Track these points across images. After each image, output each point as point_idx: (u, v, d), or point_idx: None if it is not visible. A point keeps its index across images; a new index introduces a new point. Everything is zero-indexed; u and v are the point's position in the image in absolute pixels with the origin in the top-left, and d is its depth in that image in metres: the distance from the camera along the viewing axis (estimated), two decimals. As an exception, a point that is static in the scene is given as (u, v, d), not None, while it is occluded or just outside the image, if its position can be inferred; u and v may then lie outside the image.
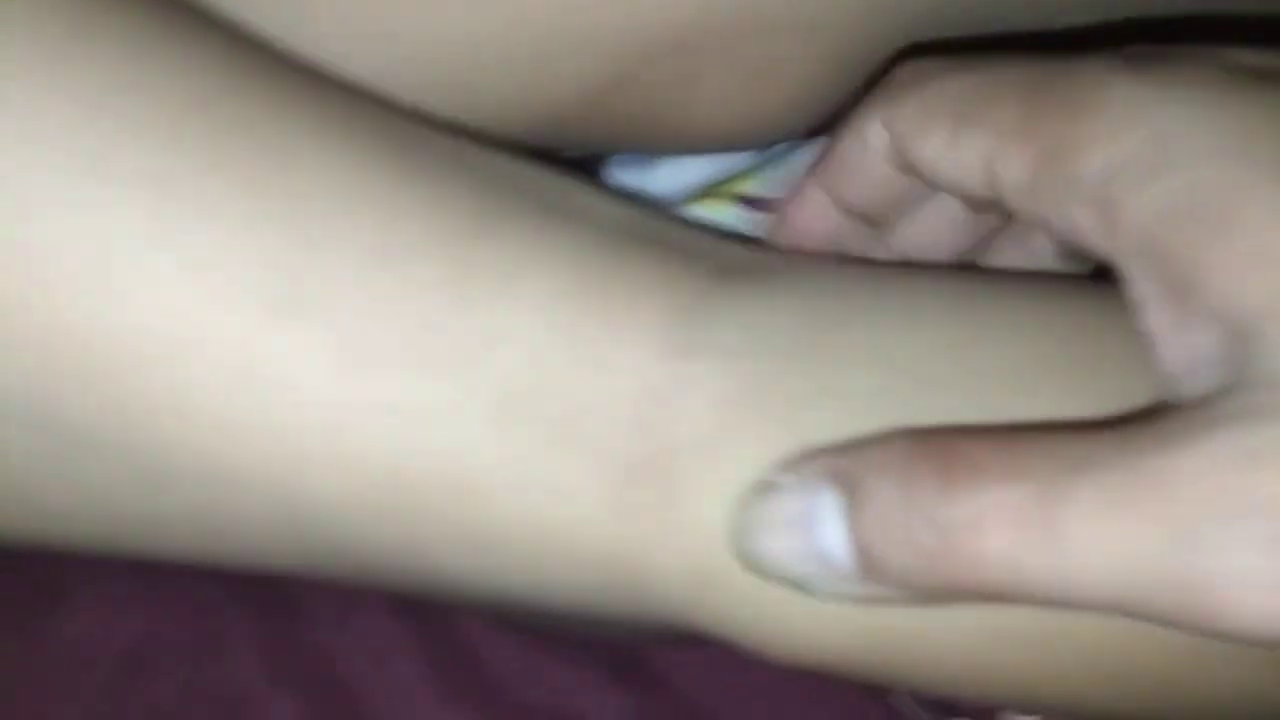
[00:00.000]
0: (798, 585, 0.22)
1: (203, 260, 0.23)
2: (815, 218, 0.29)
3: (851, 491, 0.22)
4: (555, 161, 0.29)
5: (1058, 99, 0.23)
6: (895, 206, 0.28)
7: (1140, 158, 0.22)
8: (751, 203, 0.35)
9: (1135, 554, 0.19)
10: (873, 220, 0.29)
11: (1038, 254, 0.29)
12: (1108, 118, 0.22)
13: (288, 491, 0.24)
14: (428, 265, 0.24)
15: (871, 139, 0.27)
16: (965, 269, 0.29)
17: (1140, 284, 0.22)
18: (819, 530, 0.22)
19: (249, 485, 0.24)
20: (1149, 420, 0.21)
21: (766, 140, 0.34)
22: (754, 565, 0.23)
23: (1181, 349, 0.21)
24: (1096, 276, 0.26)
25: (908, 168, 0.26)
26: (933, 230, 0.29)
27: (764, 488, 0.23)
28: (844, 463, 0.22)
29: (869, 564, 0.22)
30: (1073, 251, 0.28)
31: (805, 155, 0.35)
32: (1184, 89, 0.22)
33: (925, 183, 0.26)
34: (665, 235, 0.27)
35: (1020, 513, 0.20)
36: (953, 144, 0.25)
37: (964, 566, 0.21)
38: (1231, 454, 0.19)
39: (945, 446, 0.21)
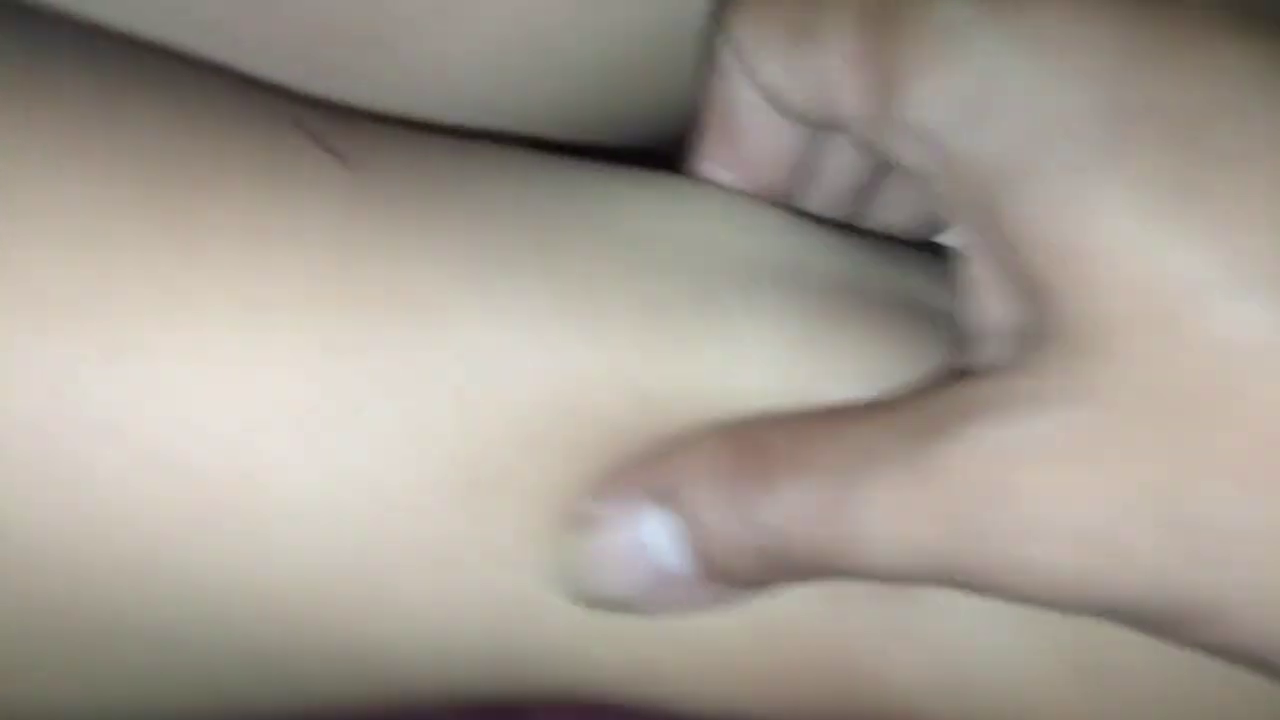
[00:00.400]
0: (639, 611, 0.22)
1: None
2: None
3: (678, 505, 0.21)
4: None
5: (896, 16, 0.21)
6: (792, 157, 0.25)
7: (970, 91, 0.20)
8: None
9: (924, 548, 0.20)
10: (783, 187, 0.25)
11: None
12: (941, 43, 0.20)
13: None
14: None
15: (723, 62, 0.24)
16: None
17: (962, 232, 0.21)
18: (655, 552, 0.22)
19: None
20: (934, 400, 0.20)
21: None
22: (593, 605, 0.22)
23: (986, 310, 0.21)
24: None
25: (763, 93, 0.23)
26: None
27: (581, 522, 0.22)
28: (661, 477, 0.22)
29: (713, 572, 0.21)
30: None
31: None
32: (1031, 7, 0.20)
33: (773, 107, 0.24)
34: (893, 285, 0.24)
35: (820, 509, 0.20)
36: (791, 62, 0.22)
37: (801, 561, 0.21)
38: (993, 449, 0.19)
39: (762, 443, 0.21)
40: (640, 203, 0.24)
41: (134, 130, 0.22)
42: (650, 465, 0.22)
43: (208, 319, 0.21)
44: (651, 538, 0.22)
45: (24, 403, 0.20)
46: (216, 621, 0.21)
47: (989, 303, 0.21)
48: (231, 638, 0.22)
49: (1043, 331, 0.19)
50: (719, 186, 0.25)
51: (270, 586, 0.21)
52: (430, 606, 0.22)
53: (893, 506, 0.20)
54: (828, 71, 0.22)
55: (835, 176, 0.26)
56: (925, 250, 0.26)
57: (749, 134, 0.24)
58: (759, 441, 0.21)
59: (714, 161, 0.25)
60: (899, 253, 0.26)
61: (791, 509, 0.20)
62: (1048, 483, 0.19)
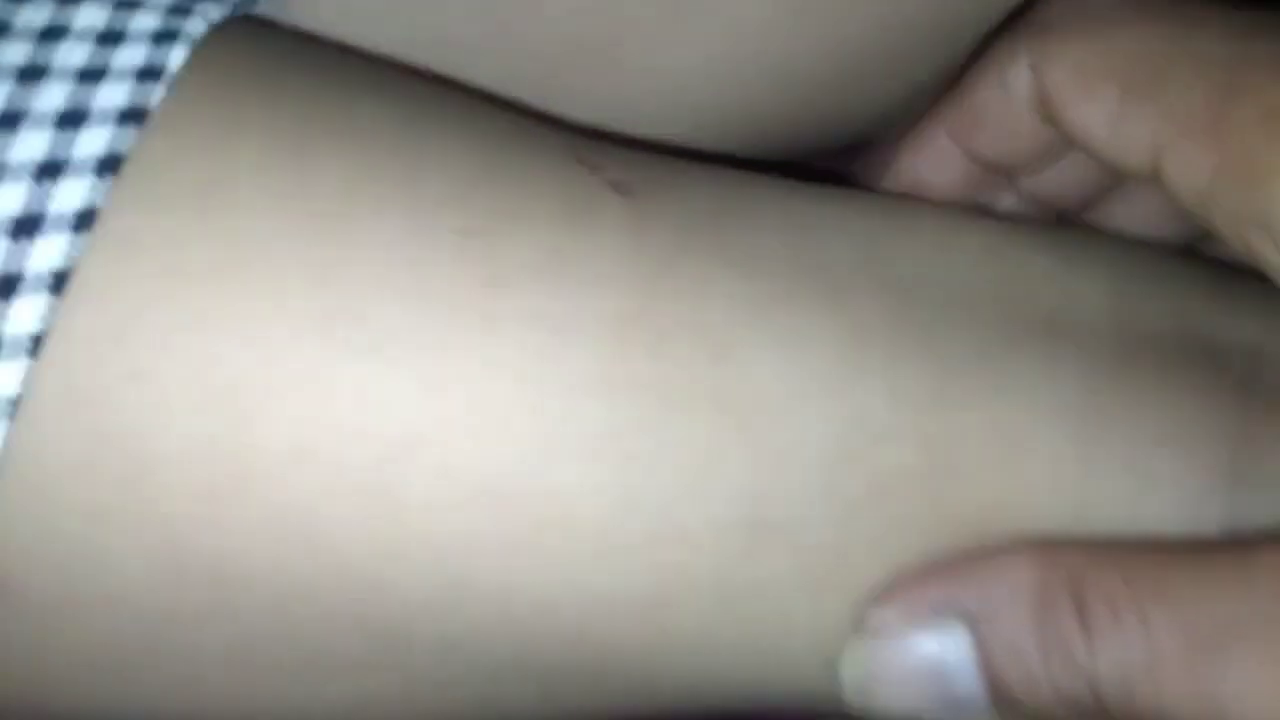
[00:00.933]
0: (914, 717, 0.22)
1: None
2: (937, 168, 0.26)
3: (979, 624, 0.21)
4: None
5: (1257, 97, 0.21)
6: (1032, 159, 0.26)
7: None
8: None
9: None
10: (1003, 171, 0.26)
11: (1149, 219, 0.26)
12: None
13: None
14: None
15: (1014, 83, 0.24)
16: None
17: None
18: (948, 673, 0.21)
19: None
20: None
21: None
22: (874, 713, 0.22)
23: None
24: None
25: (1051, 119, 0.24)
26: (1061, 183, 0.26)
27: (869, 630, 0.22)
28: (968, 595, 0.21)
29: (1002, 698, 0.21)
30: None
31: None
32: None
33: (1071, 144, 0.24)
34: (1175, 317, 0.24)
35: (1170, 670, 0.20)
36: (1118, 117, 0.22)
37: (1114, 708, 0.20)
38: None
39: (1080, 578, 0.21)
40: (911, 241, 0.24)
41: (443, 175, 0.22)
42: (945, 577, 0.21)
43: (516, 350, 0.21)
44: (941, 655, 0.21)
45: (361, 451, 0.21)
46: (508, 641, 0.22)
47: None
48: (521, 656, 0.22)
49: None
50: (969, 216, 0.25)
51: (565, 610, 0.22)
52: (702, 643, 0.22)
53: (1267, 685, 0.19)
54: (1161, 135, 0.22)
55: (1053, 188, 0.26)
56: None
57: (987, 138, 0.25)
58: (1077, 576, 0.21)
59: (941, 137, 0.26)
60: (1172, 268, 0.25)
61: (1118, 657, 0.20)
62: None
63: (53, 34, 0.22)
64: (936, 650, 0.21)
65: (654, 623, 0.22)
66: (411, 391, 0.21)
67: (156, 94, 0.22)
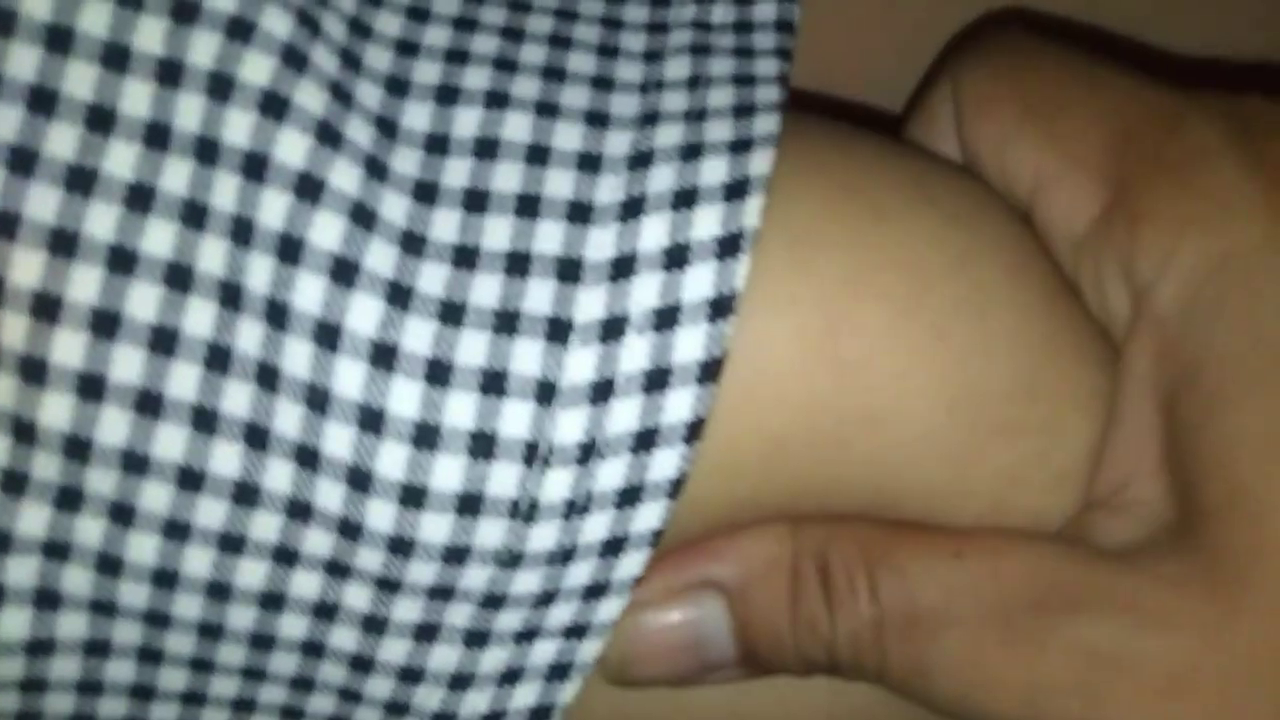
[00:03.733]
0: (664, 685, 0.23)
1: None
2: None
3: (735, 596, 0.22)
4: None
5: (1153, 157, 0.20)
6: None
7: (1223, 288, 0.19)
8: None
9: (991, 708, 0.21)
10: None
11: None
12: (1198, 219, 0.19)
13: None
14: None
15: (937, 107, 0.23)
16: None
17: (1136, 397, 0.20)
18: (703, 642, 0.22)
19: None
20: (1056, 570, 0.21)
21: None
22: (631, 685, 0.23)
23: (1143, 489, 0.21)
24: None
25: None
26: None
27: (638, 607, 0.22)
28: (724, 569, 0.22)
29: (749, 659, 0.22)
30: None
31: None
32: None
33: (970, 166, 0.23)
34: None
35: (891, 637, 0.21)
36: (1010, 137, 0.21)
37: (838, 668, 0.22)
38: (1091, 652, 0.20)
39: (825, 551, 0.21)
40: None
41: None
42: (704, 553, 0.22)
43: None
44: (698, 626, 0.22)
45: None
46: None
47: (1147, 483, 0.21)
48: None
49: (1209, 540, 0.19)
50: None
51: None
52: None
53: (965, 657, 0.21)
54: (1048, 168, 0.21)
55: None
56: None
57: (935, 143, 0.24)
58: (822, 549, 0.22)
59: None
60: None
61: (852, 626, 0.21)
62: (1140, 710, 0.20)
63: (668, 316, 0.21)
64: (694, 620, 0.22)
65: None
66: None
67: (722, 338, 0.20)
